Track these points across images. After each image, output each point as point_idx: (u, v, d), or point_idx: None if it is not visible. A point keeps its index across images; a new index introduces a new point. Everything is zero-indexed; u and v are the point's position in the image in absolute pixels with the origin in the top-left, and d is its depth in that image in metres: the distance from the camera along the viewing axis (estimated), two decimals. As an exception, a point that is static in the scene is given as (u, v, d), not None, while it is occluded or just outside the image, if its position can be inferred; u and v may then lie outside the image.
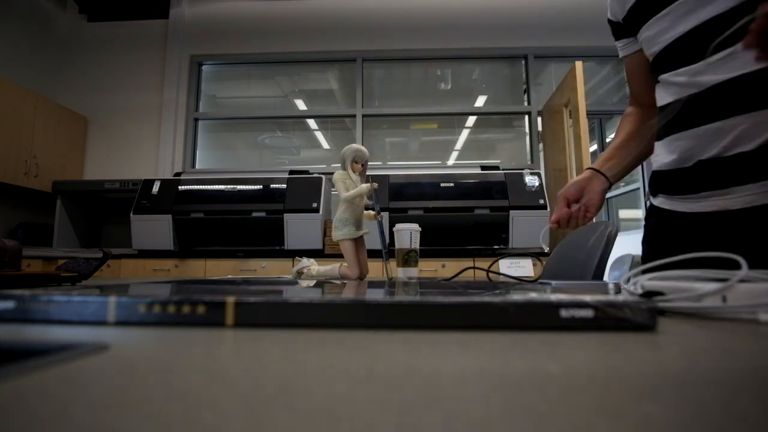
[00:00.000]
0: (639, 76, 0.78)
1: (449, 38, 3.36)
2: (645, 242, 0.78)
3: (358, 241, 0.89)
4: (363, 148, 0.89)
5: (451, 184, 2.62)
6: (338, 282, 0.64)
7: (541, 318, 0.25)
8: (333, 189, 2.64)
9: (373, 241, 0.90)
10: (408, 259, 0.91)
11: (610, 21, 0.79)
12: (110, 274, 2.51)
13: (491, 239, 2.51)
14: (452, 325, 0.26)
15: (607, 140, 3.66)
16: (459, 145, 3.42)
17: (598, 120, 3.66)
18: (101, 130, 3.39)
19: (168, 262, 2.54)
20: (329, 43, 3.41)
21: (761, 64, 0.49)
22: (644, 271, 0.38)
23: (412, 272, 0.91)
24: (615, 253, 1.40)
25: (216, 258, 2.53)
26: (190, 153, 3.38)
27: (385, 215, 2.38)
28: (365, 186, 0.86)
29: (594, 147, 3.71)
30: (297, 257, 1.04)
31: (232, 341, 0.22)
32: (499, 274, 0.89)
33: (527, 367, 0.17)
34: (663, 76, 0.68)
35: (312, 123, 3.50)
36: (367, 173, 0.92)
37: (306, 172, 2.82)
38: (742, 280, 0.29)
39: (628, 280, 0.38)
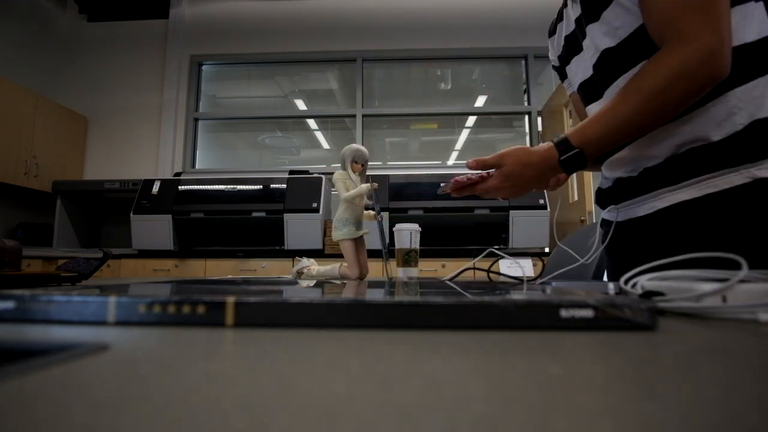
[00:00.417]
0: (581, 112, 0.87)
1: (449, 38, 3.36)
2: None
3: (358, 241, 0.88)
4: (363, 148, 0.89)
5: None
6: (338, 282, 0.64)
7: (541, 318, 0.25)
8: (333, 189, 2.64)
9: (373, 241, 0.90)
10: (408, 259, 0.91)
11: (553, 67, 0.91)
12: (110, 274, 2.51)
13: (491, 239, 2.51)
14: (452, 325, 0.26)
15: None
16: (459, 145, 3.42)
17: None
18: (101, 130, 3.39)
19: (168, 262, 2.54)
20: (329, 43, 3.41)
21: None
22: (643, 272, 0.38)
23: (412, 272, 0.91)
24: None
25: (216, 258, 2.53)
26: (190, 153, 3.38)
27: (385, 215, 2.38)
28: (365, 186, 0.86)
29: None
30: (297, 257, 1.04)
31: (232, 341, 0.22)
32: (500, 274, 0.89)
33: (527, 367, 0.17)
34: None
35: (312, 123, 3.50)
36: (367, 173, 0.92)
37: (306, 172, 2.82)
38: (742, 281, 0.29)
39: (628, 280, 0.38)
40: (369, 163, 0.91)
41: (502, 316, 0.25)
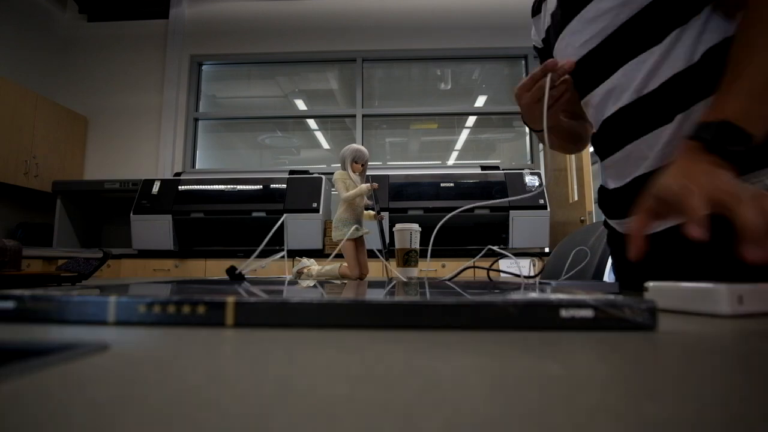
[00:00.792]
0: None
1: (449, 38, 3.36)
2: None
3: (358, 241, 0.89)
4: (363, 148, 0.89)
5: (451, 184, 2.62)
6: (338, 282, 0.64)
7: (541, 318, 0.25)
8: (333, 189, 2.64)
9: (373, 241, 0.90)
10: (408, 259, 0.91)
11: (535, 48, 0.83)
12: (110, 274, 2.50)
13: (491, 239, 2.51)
14: (452, 325, 0.26)
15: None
16: (459, 145, 3.42)
17: (598, 120, 3.66)
18: (101, 130, 3.39)
19: (168, 262, 2.54)
20: (329, 43, 3.40)
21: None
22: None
23: (412, 272, 0.91)
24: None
25: (216, 258, 2.53)
26: (190, 153, 3.37)
27: (385, 215, 2.38)
28: (365, 186, 0.86)
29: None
30: (297, 257, 1.04)
31: (232, 341, 0.22)
32: (500, 272, 0.89)
33: (527, 367, 0.17)
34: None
35: (312, 123, 3.50)
36: (367, 173, 0.92)
37: (306, 172, 2.82)
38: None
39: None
40: (369, 163, 0.91)
41: (502, 316, 0.25)
